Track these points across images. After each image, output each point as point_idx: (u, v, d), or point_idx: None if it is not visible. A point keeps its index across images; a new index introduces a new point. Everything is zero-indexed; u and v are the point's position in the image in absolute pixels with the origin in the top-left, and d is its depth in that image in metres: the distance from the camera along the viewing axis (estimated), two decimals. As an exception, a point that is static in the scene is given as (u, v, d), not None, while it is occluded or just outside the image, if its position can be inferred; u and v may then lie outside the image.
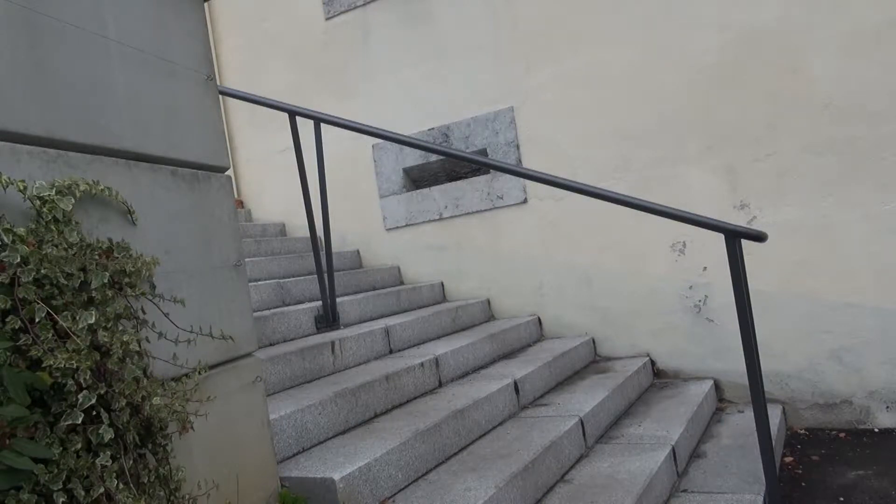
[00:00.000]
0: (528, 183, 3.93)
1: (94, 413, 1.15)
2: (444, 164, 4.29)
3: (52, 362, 1.09)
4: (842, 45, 3.18)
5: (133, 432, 1.24)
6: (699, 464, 2.72)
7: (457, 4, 4.19)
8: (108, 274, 1.25)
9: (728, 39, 3.41)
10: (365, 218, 4.55)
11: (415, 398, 2.72)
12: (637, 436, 2.73)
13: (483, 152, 4.09)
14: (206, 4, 1.84)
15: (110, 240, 1.34)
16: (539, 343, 3.85)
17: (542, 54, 3.90)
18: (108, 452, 1.16)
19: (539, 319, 4.00)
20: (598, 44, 3.74)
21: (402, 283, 4.41)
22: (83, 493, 1.10)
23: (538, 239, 3.96)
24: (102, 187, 1.36)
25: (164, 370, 1.42)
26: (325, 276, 3.24)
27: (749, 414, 3.18)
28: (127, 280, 1.32)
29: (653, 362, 3.70)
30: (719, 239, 2.37)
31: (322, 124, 3.26)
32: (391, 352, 3.18)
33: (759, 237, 2.35)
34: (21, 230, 1.14)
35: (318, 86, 4.71)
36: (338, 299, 3.35)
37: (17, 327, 1.08)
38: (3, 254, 1.09)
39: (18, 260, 1.10)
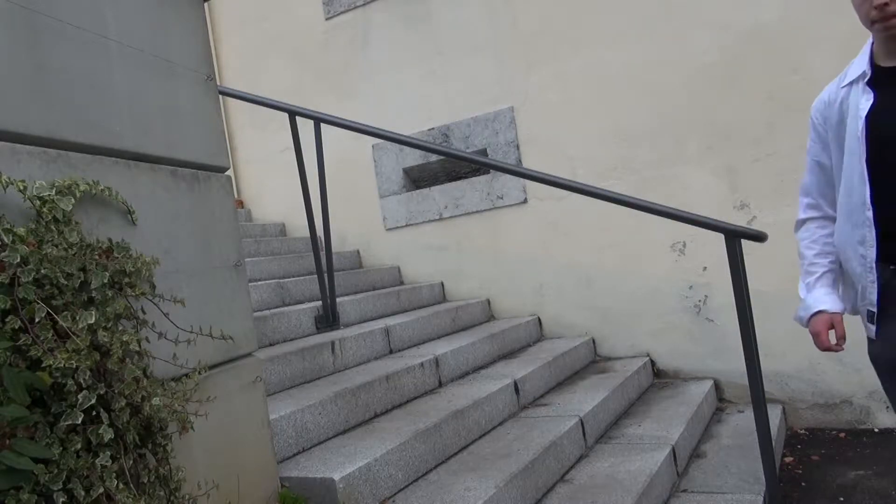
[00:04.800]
0: (528, 183, 3.93)
1: (94, 413, 1.15)
2: (444, 164, 4.29)
3: (52, 362, 1.09)
4: (842, 45, 3.17)
5: (133, 432, 1.24)
6: (699, 464, 2.72)
7: (456, 5, 4.19)
8: (108, 274, 1.25)
9: (728, 39, 3.41)
10: (365, 218, 4.55)
11: (415, 398, 2.72)
12: (637, 436, 2.73)
13: (483, 152, 4.09)
14: (206, 4, 1.84)
15: (110, 240, 1.34)
16: (539, 343, 3.85)
17: (542, 54, 3.90)
18: (108, 452, 1.16)
19: (539, 319, 4.00)
20: (598, 44, 3.74)
21: (402, 283, 4.41)
22: (83, 493, 1.10)
23: (538, 239, 3.96)
24: (102, 187, 1.36)
25: (164, 370, 1.42)
26: (325, 276, 3.24)
27: (749, 414, 3.17)
28: (127, 280, 1.32)
29: (653, 362, 3.70)
30: (719, 239, 2.37)
31: (322, 124, 3.26)
32: (391, 352, 3.18)
33: (759, 237, 2.35)
34: (21, 230, 1.14)
35: (318, 86, 4.71)
36: (338, 299, 3.35)
37: (17, 327, 1.08)
38: (3, 254, 1.09)
39: (18, 260, 1.10)
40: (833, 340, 1.75)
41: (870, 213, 1.62)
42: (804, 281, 1.81)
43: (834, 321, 1.74)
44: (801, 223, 1.87)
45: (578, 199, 3.69)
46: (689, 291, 3.58)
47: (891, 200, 1.60)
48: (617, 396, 3.05)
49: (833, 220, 1.82)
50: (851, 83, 1.68)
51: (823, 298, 1.76)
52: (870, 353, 1.72)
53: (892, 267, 1.62)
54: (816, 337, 1.76)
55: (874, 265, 1.64)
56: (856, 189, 1.64)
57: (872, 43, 1.68)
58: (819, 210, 1.83)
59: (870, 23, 1.58)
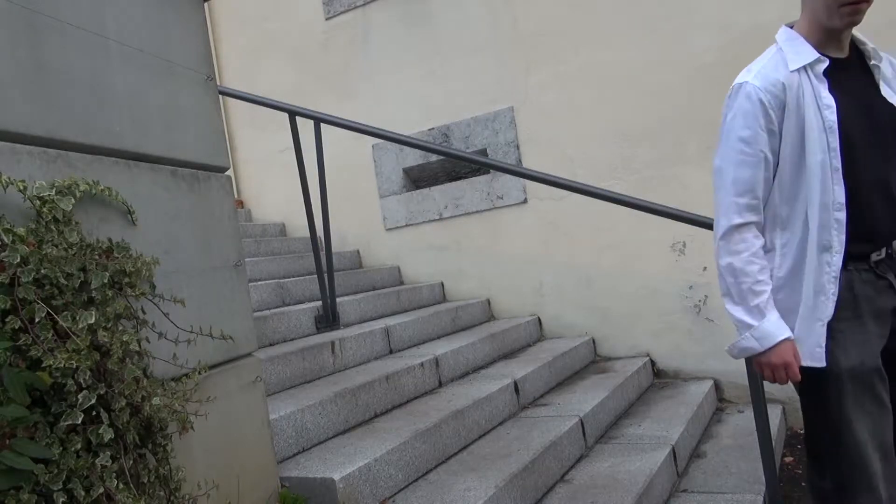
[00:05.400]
0: (528, 183, 3.93)
1: (94, 413, 1.15)
2: (444, 164, 4.29)
3: (52, 362, 1.09)
4: (842, 45, 3.17)
5: (133, 432, 1.24)
6: (699, 464, 2.72)
7: (457, 4, 4.19)
8: (108, 274, 1.25)
9: (728, 39, 3.41)
10: (365, 218, 4.55)
11: (415, 398, 2.72)
12: (637, 436, 2.73)
13: (483, 152, 4.09)
14: (206, 4, 1.84)
15: (110, 240, 1.34)
16: (539, 343, 3.85)
17: (542, 54, 3.90)
18: (108, 452, 1.16)
19: (539, 319, 4.00)
20: (597, 44, 3.74)
21: (402, 283, 4.41)
22: (83, 493, 1.10)
23: (538, 239, 3.96)
24: (102, 187, 1.36)
25: (164, 370, 1.42)
26: (325, 276, 3.24)
27: (749, 414, 3.18)
28: (127, 280, 1.32)
29: (653, 362, 3.70)
30: (719, 239, 2.37)
31: (322, 124, 3.26)
32: (391, 352, 3.18)
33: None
34: (21, 230, 1.14)
35: (318, 86, 4.71)
36: (338, 299, 3.35)
37: (17, 327, 1.08)
38: (3, 254, 1.09)
39: (18, 260, 1.10)
40: None
41: (841, 216, 1.48)
42: (751, 302, 1.50)
43: (795, 350, 1.52)
44: (734, 229, 1.53)
45: (578, 199, 3.69)
46: (689, 291, 3.58)
47: (855, 200, 1.49)
48: (617, 396, 3.05)
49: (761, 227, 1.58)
50: (799, 70, 1.54)
51: (782, 324, 1.51)
52: (831, 374, 1.50)
53: (862, 268, 1.51)
54: (788, 368, 1.50)
55: (838, 274, 1.49)
56: (826, 188, 1.48)
57: (790, 27, 1.60)
58: (757, 214, 1.54)
59: (836, 6, 1.48)
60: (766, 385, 2.88)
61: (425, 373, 2.83)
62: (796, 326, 1.53)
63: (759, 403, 2.25)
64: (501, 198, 4.05)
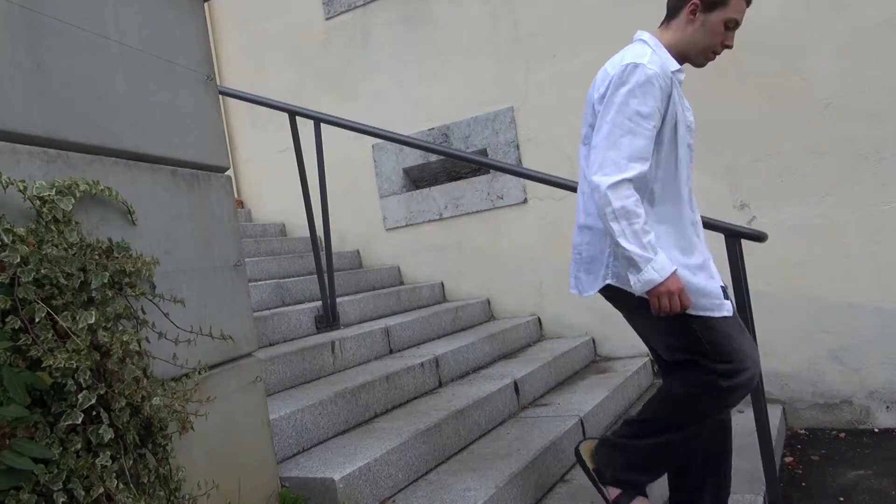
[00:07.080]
0: (528, 183, 3.93)
1: (94, 413, 1.15)
2: (444, 164, 4.29)
3: (52, 362, 1.09)
4: (841, 45, 3.18)
5: (133, 432, 1.24)
6: (699, 464, 2.72)
7: (457, 5, 4.19)
8: (108, 274, 1.25)
9: (728, 39, 3.41)
10: (365, 218, 4.55)
11: (415, 398, 2.72)
12: (637, 436, 2.72)
13: (483, 152, 4.09)
14: (206, 4, 1.84)
15: (110, 240, 1.34)
16: (539, 343, 3.85)
17: (542, 54, 3.90)
18: (108, 452, 1.16)
19: (539, 319, 4.00)
20: (598, 44, 3.74)
21: (402, 283, 4.41)
22: (83, 493, 1.10)
23: (538, 239, 3.96)
24: (102, 187, 1.36)
25: (164, 370, 1.42)
26: (325, 276, 3.24)
27: (749, 414, 3.16)
28: (127, 280, 1.32)
29: (653, 362, 3.70)
30: (719, 239, 2.37)
31: (322, 124, 3.26)
32: (391, 352, 3.18)
33: (759, 237, 2.34)
34: (21, 230, 1.14)
35: (318, 86, 4.71)
36: (338, 299, 3.35)
37: (17, 327, 1.08)
38: (3, 254, 1.09)
39: (18, 260, 1.10)
40: None
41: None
42: (644, 240, 1.65)
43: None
44: (624, 182, 1.67)
45: (578, 199, 3.69)
46: (689, 291, 3.57)
47: None
48: (617, 396, 3.05)
49: None
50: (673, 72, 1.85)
51: (667, 258, 1.69)
52: (718, 329, 1.75)
53: None
54: (681, 294, 1.67)
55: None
56: (690, 176, 1.84)
57: (653, 40, 1.96)
58: (641, 180, 1.72)
59: (710, 52, 1.91)
60: (766, 385, 2.88)
61: (425, 373, 2.83)
62: (700, 281, 1.76)
63: (759, 403, 2.25)
64: (501, 198, 4.05)
